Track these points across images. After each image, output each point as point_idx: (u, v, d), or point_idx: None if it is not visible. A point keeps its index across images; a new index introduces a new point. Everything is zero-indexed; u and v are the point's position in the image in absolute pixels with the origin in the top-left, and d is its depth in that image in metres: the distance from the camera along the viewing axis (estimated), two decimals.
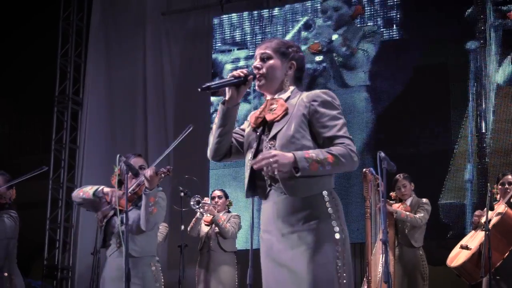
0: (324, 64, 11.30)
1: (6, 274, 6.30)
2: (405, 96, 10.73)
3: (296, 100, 3.76)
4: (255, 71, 3.82)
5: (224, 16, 12.23)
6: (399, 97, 10.74)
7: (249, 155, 3.83)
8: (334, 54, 11.26)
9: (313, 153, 3.54)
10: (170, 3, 13.04)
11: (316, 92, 3.77)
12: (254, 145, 3.80)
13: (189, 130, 5.25)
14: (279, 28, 11.79)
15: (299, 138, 3.64)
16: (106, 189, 5.93)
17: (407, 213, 7.84)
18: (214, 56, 12.10)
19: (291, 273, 3.62)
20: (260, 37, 11.81)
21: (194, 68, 12.20)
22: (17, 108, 16.41)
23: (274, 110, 3.78)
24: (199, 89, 3.70)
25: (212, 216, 8.53)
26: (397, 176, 8.10)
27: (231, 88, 3.76)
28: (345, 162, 3.56)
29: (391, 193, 8.17)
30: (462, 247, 7.44)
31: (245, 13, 12.11)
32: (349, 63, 11.11)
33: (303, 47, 11.32)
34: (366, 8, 11.24)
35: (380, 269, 7.26)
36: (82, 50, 13.59)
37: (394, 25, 10.98)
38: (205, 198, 8.81)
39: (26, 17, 14.01)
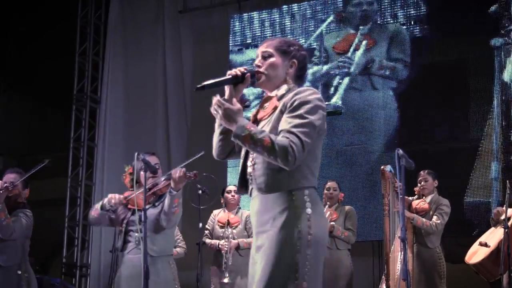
0: (349, 64, 11.20)
1: (20, 272, 6.33)
2: (429, 93, 10.64)
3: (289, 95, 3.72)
4: (256, 69, 3.80)
5: (244, 14, 12.19)
6: (423, 94, 10.66)
7: (242, 152, 3.85)
8: (363, 54, 11.14)
9: (256, 129, 3.54)
10: (187, 1, 13.03)
11: (300, 89, 3.72)
12: None
13: (201, 154, 5.43)
14: (298, 26, 11.71)
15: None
16: (109, 196, 5.98)
17: (424, 220, 7.78)
18: (232, 54, 12.07)
19: (254, 274, 3.63)
20: (279, 34, 11.75)
21: (212, 66, 12.17)
22: (35, 106, 16.48)
23: (265, 108, 3.79)
24: (194, 89, 3.71)
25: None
26: (421, 171, 8.06)
27: (229, 87, 3.74)
28: (278, 151, 3.47)
29: (415, 188, 8.13)
30: (481, 244, 7.40)
31: (265, 11, 12.04)
32: (379, 64, 11.00)
33: (327, 44, 11.28)
34: (388, 5, 11.15)
35: (398, 266, 7.24)
36: (100, 48, 13.62)
37: (417, 22, 10.88)
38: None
39: (44, 16, 14.06)
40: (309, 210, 3.58)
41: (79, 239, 12.85)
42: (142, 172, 5.87)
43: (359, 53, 11.15)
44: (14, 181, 6.32)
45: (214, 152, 3.94)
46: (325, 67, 11.28)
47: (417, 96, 10.69)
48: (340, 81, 11.14)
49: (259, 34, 11.96)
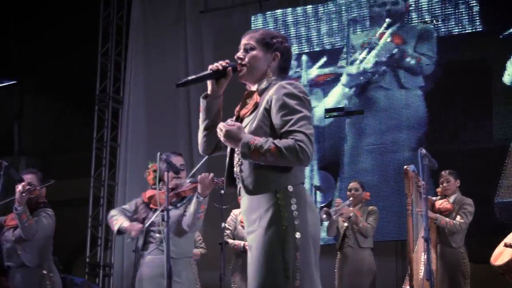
0: (379, 63, 11.11)
1: (45, 271, 6.36)
2: (458, 93, 10.55)
3: (270, 92, 3.66)
4: (238, 62, 3.76)
5: (265, 13, 12.15)
6: (449, 93, 10.57)
7: (228, 149, 3.80)
8: (391, 53, 11.04)
9: (259, 141, 3.46)
10: (208, 1, 13.03)
11: (281, 84, 3.64)
12: None
13: (205, 159, 5.43)
14: (322, 25, 11.63)
15: (260, 134, 3.54)
16: (125, 224, 5.98)
17: (447, 219, 7.76)
18: None
19: (249, 273, 3.59)
20: (303, 34, 11.72)
21: None
22: (58, 107, 16.54)
23: (247, 104, 3.75)
24: (175, 85, 3.70)
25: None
26: (442, 171, 8.03)
27: (211, 82, 3.74)
28: (288, 155, 3.43)
29: (437, 189, 8.10)
30: (506, 245, 7.34)
31: (287, 10, 12.00)
32: (410, 67, 10.89)
33: (354, 43, 11.22)
34: (416, 3, 11.07)
35: (422, 266, 7.20)
36: (122, 49, 13.66)
37: (446, 21, 10.79)
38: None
39: (66, 16, 14.11)
40: (294, 206, 3.51)
41: (102, 239, 12.90)
42: (165, 173, 5.89)
43: (385, 51, 11.08)
44: (32, 182, 6.36)
45: (200, 147, 3.90)
46: (351, 67, 11.20)
47: (444, 95, 10.60)
48: (367, 79, 11.07)
49: (280, 32, 11.91)
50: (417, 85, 10.73)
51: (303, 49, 11.67)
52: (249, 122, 3.65)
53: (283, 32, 11.84)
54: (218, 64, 3.73)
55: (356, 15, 11.42)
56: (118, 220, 6.10)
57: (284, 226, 3.48)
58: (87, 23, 13.76)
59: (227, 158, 3.80)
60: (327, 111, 11.17)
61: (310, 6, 11.83)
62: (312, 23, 11.73)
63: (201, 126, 3.84)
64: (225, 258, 8.17)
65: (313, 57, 11.53)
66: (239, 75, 3.77)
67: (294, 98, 3.57)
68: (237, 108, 3.83)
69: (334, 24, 11.56)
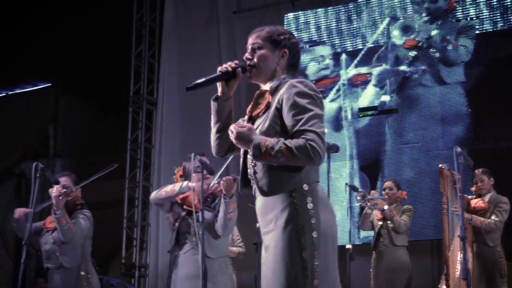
0: (420, 60, 11.00)
1: (83, 273, 6.39)
2: (500, 90, 10.46)
3: (281, 91, 3.63)
4: (247, 62, 3.74)
5: (298, 13, 12.12)
6: (494, 91, 10.48)
7: (241, 150, 3.78)
8: (431, 50, 10.95)
9: (270, 142, 3.43)
10: (241, 1, 13.04)
11: (291, 82, 3.60)
12: None
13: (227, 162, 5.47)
14: (357, 24, 11.53)
15: (272, 134, 3.52)
16: (192, 184, 5.94)
17: (482, 219, 7.71)
18: None
19: (264, 276, 3.57)
20: (337, 33, 11.68)
21: None
22: (93, 108, 16.68)
23: (259, 104, 3.72)
24: (185, 89, 3.69)
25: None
26: (476, 170, 7.98)
27: (221, 83, 3.72)
28: (299, 155, 3.40)
29: (472, 188, 8.05)
30: None
31: (320, 9, 11.93)
32: (448, 59, 10.81)
33: (397, 42, 11.16)
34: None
35: (458, 266, 7.16)
36: (155, 50, 13.72)
37: (488, 17, 10.68)
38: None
39: (100, 20, 14.21)
40: (310, 205, 3.49)
41: (138, 240, 12.97)
42: (194, 174, 5.89)
43: (423, 47, 10.98)
44: (67, 184, 6.39)
45: (213, 150, 3.88)
46: (387, 64, 11.12)
47: (484, 93, 10.48)
48: (405, 76, 10.98)
49: (314, 33, 11.89)
50: (458, 81, 10.60)
51: (336, 47, 11.61)
52: (261, 122, 3.63)
53: (314, 32, 11.84)
54: (227, 66, 3.70)
55: (392, 12, 11.33)
56: (173, 185, 6.07)
57: (301, 225, 3.45)
58: (120, 26, 13.84)
59: (241, 160, 3.78)
60: (361, 110, 11.13)
61: (342, 6, 11.76)
62: (345, 22, 11.67)
63: (213, 128, 3.82)
64: (260, 258, 8.16)
65: (351, 56, 11.46)
66: (249, 76, 3.75)
67: (305, 97, 3.53)
68: (249, 108, 3.80)
69: (366, 23, 11.48)
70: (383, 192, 8.76)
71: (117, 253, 13.57)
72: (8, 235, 14.56)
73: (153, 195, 6.19)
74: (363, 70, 11.29)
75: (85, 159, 15.12)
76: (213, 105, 3.79)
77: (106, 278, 10.54)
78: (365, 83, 11.24)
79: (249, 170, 3.69)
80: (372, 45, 11.32)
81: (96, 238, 6.60)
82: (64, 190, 6.23)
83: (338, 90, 11.37)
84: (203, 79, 3.67)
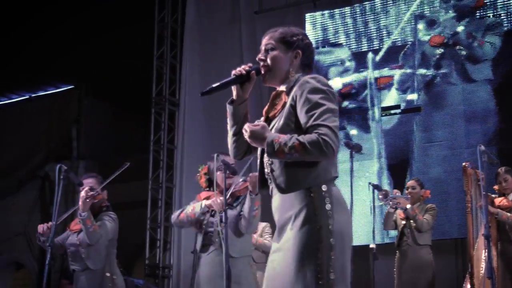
0: (446, 58, 10.86)
1: (108, 274, 6.40)
2: None
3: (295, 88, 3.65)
4: (260, 64, 3.77)
5: (319, 12, 12.09)
6: None
7: (258, 151, 3.81)
8: (457, 47, 10.83)
9: (283, 139, 3.45)
10: (262, 1, 13.03)
11: (304, 79, 3.63)
12: None
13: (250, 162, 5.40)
14: (381, 22, 11.45)
15: (287, 132, 3.54)
16: (207, 202, 5.99)
17: (508, 214, 7.66)
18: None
19: (276, 274, 3.56)
20: (359, 33, 11.63)
21: None
22: (116, 110, 16.75)
23: (276, 105, 3.73)
24: (200, 94, 3.72)
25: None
26: (499, 169, 7.93)
27: (236, 87, 3.75)
28: (312, 150, 3.41)
29: (494, 186, 8.00)
30: None
31: (344, 8, 11.89)
32: (474, 56, 10.72)
33: (423, 39, 11.08)
34: None
35: (483, 264, 7.12)
36: (177, 51, 13.74)
37: None
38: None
39: (121, 21, 14.26)
40: (328, 206, 3.50)
41: (161, 241, 12.99)
42: (218, 173, 5.90)
43: (450, 45, 10.88)
44: (93, 186, 6.40)
45: (231, 153, 3.92)
46: (413, 63, 11.05)
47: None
48: (434, 75, 10.91)
49: (336, 31, 11.84)
50: (485, 78, 10.50)
51: (360, 46, 11.56)
52: (277, 121, 3.65)
53: (337, 31, 11.80)
54: (241, 69, 3.75)
55: (419, 9, 11.24)
56: (189, 207, 6.11)
57: (318, 225, 3.46)
58: (142, 27, 13.89)
59: (258, 160, 3.81)
60: (384, 109, 11.08)
61: (368, 3, 11.69)
62: (369, 20, 11.61)
63: (230, 132, 3.86)
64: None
65: (376, 54, 11.39)
66: (263, 79, 3.78)
67: (317, 92, 3.55)
68: (265, 109, 3.81)
69: (392, 20, 11.40)
70: (406, 191, 8.73)
71: (140, 254, 13.61)
72: (33, 237, 14.63)
73: (174, 218, 6.25)
74: (389, 68, 11.23)
75: (108, 161, 15.16)
76: (228, 108, 3.82)
77: (130, 279, 10.59)
78: (391, 81, 11.17)
79: (266, 169, 3.71)
80: (398, 44, 11.26)
81: (119, 239, 6.61)
82: (91, 193, 6.24)
83: (364, 89, 11.32)
84: (218, 83, 3.71)
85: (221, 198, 5.83)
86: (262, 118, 3.81)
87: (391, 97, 11.13)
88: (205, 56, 13.40)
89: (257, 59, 3.80)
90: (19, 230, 14.69)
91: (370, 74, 11.35)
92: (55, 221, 6.07)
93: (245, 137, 3.59)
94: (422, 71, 10.96)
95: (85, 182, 6.41)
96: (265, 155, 3.66)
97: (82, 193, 6.19)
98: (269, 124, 3.69)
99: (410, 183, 8.82)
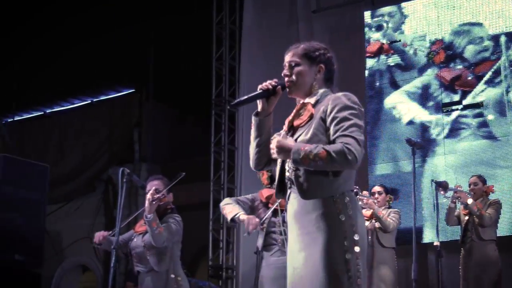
0: None
1: (173, 275, 6.43)
2: None
3: (324, 103, 3.78)
4: (286, 79, 3.90)
5: (380, 9, 11.98)
6: None
7: (279, 159, 3.91)
8: None
9: (309, 147, 3.60)
10: (320, 0, 12.98)
11: (336, 95, 3.79)
12: None
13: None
14: (447, 18, 11.26)
15: (315, 142, 3.66)
16: (243, 217, 6.01)
17: None
18: (368, 55, 11.88)
19: (301, 276, 3.66)
20: (419, 28, 11.52)
21: (347, 67, 12.03)
22: (176, 112, 16.85)
23: (301, 115, 3.86)
24: (229, 106, 3.86)
25: (371, 210, 8.43)
26: None
27: (262, 100, 3.92)
28: (337, 158, 3.55)
29: None
30: None
31: (404, 4, 11.74)
32: None
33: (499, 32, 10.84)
34: None
35: None
36: (236, 53, 13.78)
37: None
38: (364, 192, 8.73)
39: (180, 25, 14.36)
40: (351, 211, 3.66)
41: (224, 242, 13.03)
42: None
43: None
44: (159, 188, 6.42)
45: (252, 163, 4.06)
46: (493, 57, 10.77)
47: None
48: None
49: (397, 28, 11.73)
50: None
51: (417, 46, 11.44)
52: (304, 131, 3.78)
53: (397, 28, 11.70)
54: (268, 84, 3.90)
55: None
56: (233, 209, 6.16)
57: (344, 228, 3.62)
58: (200, 29, 13.96)
59: (278, 165, 3.94)
60: (444, 105, 10.88)
61: None
62: (431, 16, 11.44)
63: (253, 142, 4.02)
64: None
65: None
66: (288, 92, 3.93)
67: (347, 109, 3.70)
68: (289, 118, 3.97)
69: (455, 16, 11.23)
70: (468, 188, 8.64)
71: (204, 256, 13.67)
72: None
73: (221, 204, 6.40)
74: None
75: (170, 163, 15.29)
76: (254, 120, 4.00)
77: (194, 280, 10.64)
78: None
79: (287, 174, 3.84)
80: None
81: (182, 241, 6.64)
82: (157, 195, 6.27)
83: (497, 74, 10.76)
84: (246, 97, 3.95)
85: (257, 219, 5.88)
86: (285, 127, 3.98)
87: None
88: (264, 56, 13.40)
89: (282, 74, 3.94)
90: (83, 233, 14.84)
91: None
92: (119, 224, 6.12)
93: (274, 154, 3.74)
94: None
95: (151, 184, 6.44)
96: (287, 161, 3.81)
97: (148, 196, 6.23)
98: (293, 134, 3.86)
99: (472, 179, 8.72)
